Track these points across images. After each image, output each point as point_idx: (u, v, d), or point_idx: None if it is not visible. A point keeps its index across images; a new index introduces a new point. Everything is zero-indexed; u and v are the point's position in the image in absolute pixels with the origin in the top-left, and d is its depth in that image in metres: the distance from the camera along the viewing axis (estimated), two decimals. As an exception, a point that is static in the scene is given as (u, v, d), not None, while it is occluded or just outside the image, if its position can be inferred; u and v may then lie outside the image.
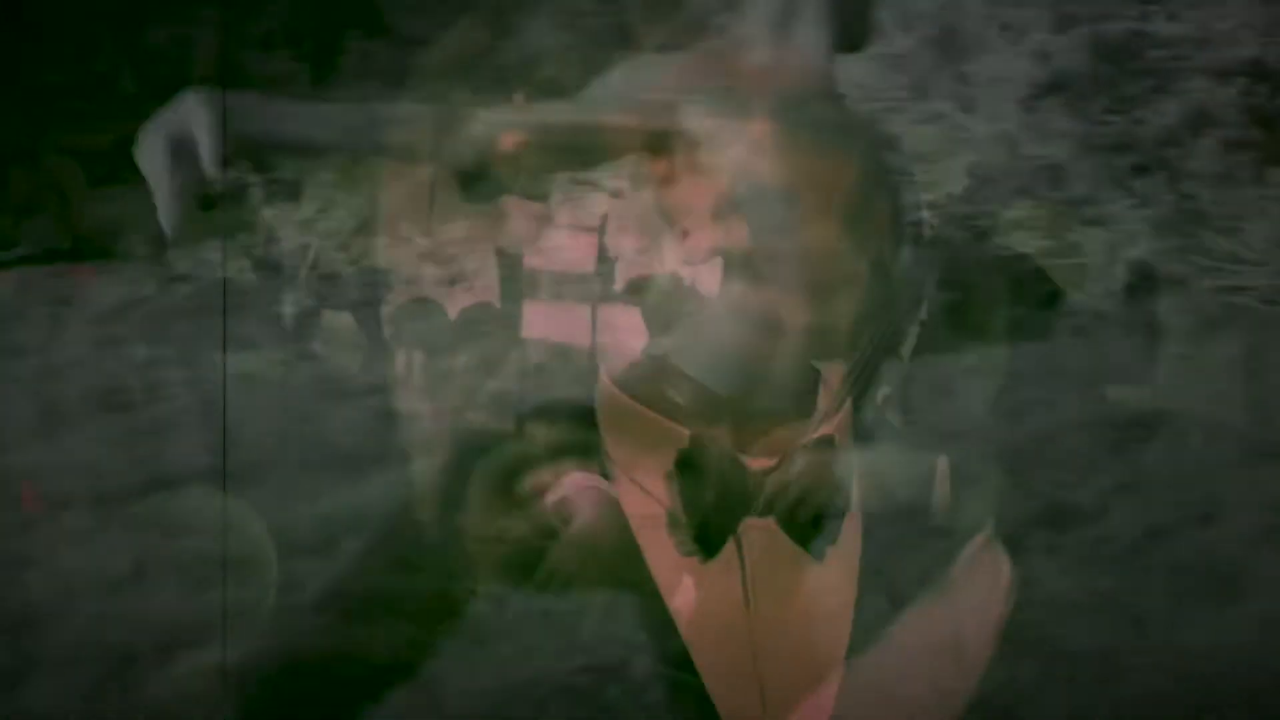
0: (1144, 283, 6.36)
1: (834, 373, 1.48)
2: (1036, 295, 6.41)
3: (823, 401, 1.38)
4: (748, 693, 1.26)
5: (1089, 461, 4.88)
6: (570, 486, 1.21)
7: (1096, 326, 6.27)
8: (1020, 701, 3.36)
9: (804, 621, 1.26)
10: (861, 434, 1.48)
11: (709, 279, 1.53)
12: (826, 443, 1.22)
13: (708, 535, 1.21)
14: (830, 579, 1.26)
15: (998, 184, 6.47)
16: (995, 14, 6.58)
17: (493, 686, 3.67)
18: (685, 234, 1.30)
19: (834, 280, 1.27)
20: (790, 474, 1.22)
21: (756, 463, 1.18)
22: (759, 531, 1.22)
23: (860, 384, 1.33)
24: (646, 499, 1.24)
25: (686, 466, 1.21)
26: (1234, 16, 6.41)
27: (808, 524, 1.23)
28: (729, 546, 1.22)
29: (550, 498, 1.29)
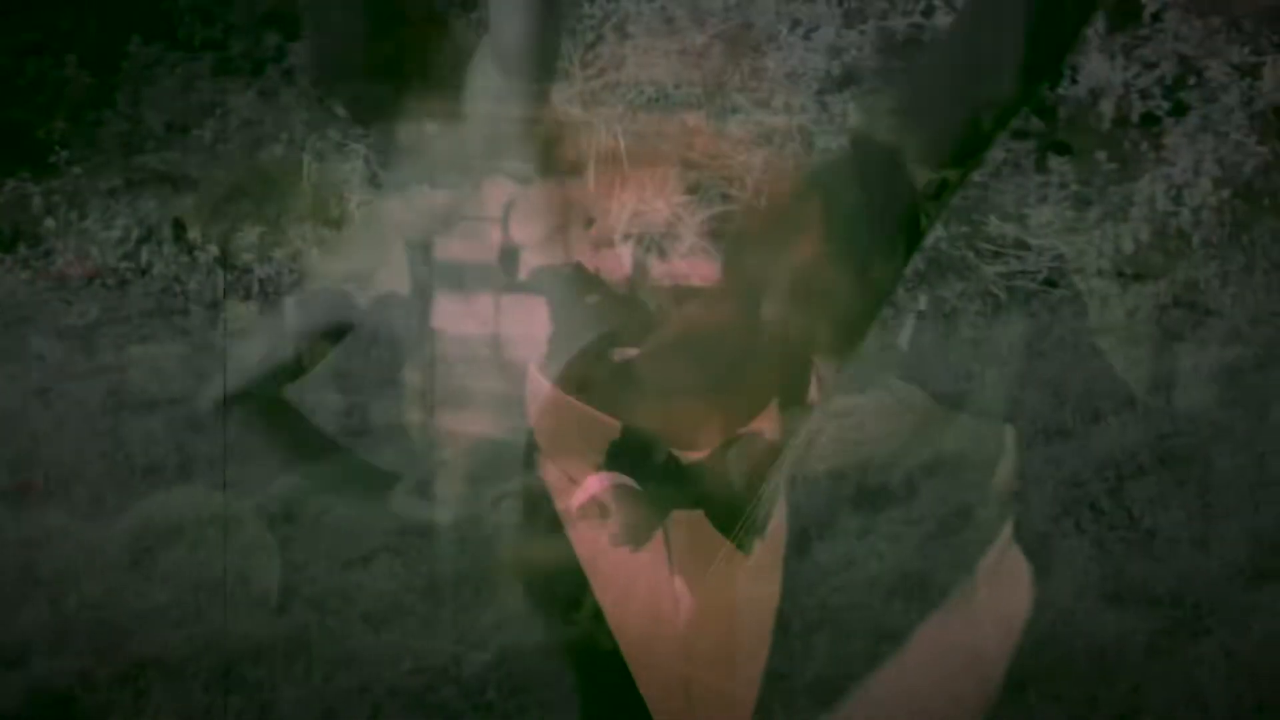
0: (933, 270, 6.56)
1: (826, 367, 1.52)
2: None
3: (814, 393, 1.41)
4: (673, 682, 1.28)
5: (899, 445, 5.00)
6: (594, 487, 1.20)
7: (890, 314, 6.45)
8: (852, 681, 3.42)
9: (730, 613, 1.28)
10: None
11: (615, 267, 1.54)
12: (756, 437, 1.24)
13: (636, 526, 1.22)
14: (756, 571, 1.29)
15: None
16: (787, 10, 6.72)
17: (324, 693, 3.62)
18: (590, 222, 1.31)
19: (751, 268, 1.30)
20: (719, 467, 1.23)
21: (686, 455, 1.19)
22: (688, 524, 1.23)
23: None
24: (577, 490, 1.25)
25: (616, 459, 1.21)
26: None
27: (735, 517, 1.25)
28: (658, 537, 1.24)
29: (576, 502, 1.27)
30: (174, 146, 8.53)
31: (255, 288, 7.93)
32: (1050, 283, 6.62)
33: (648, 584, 1.26)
